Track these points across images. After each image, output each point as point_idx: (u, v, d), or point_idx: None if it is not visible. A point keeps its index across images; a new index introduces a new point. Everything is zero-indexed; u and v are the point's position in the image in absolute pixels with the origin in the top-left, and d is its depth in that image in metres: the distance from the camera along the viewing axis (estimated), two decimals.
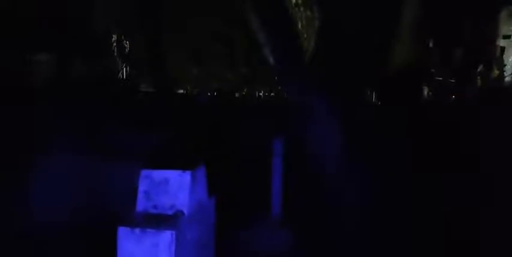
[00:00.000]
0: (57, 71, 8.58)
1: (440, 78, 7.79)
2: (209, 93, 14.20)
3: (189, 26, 12.26)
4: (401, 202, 3.39)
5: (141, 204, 2.06)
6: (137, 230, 1.86)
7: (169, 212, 2.03)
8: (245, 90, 16.37)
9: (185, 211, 2.03)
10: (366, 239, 3.14)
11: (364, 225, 3.19)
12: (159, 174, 2.10)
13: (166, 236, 1.85)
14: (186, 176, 2.08)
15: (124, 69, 12.64)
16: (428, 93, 7.96)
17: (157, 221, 1.96)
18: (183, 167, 2.10)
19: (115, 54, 12.12)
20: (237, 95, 15.04)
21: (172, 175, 2.09)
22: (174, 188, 2.07)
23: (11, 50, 7.70)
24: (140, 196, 2.07)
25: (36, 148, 3.22)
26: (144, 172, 2.10)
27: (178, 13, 11.40)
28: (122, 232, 1.88)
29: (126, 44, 12.21)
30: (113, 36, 11.88)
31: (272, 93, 17.41)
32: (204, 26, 12.66)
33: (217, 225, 2.54)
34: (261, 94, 17.89)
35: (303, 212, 3.79)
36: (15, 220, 2.87)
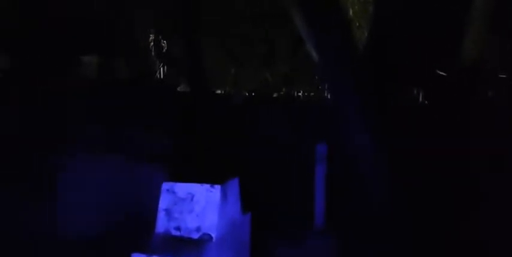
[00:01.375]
0: (99, 71, 8.61)
1: (504, 76, 7.08)
2: (247, 94, 13.97)
3: (228, 26, 12.07)
4: (450, 208, 3.06)
5: (162, 224, 1.70)
6: None
7: (195, 236, 1.67)
8: (283, 90, 16.04)
9: (213, 235, 1.66)
10: (411, 248, 2.73)
11: (411, 233, 2.79)
12: (183, 188, 1.74)
13: None
14: (216, 191, 1.71)
15: (161, 69, 12.67)
16: (489, 91, 7.26)
17: (178, 246, 1.60)
18: (212, 181, 1.74)
19: (153, 54, 12.17)
20: (275, 95, 14.71)
21: (198, 189, 1.73)
22: (201, 206, 1.70)
23: (55, 51, 7.77)
24: (160, 214, 1.72)
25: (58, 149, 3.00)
26: (165, 185, 1.75)
27: (216, 13, 11.22)
28: None
29: (164, 43, 12.20)
30: (151, 36, 11.92)
31: (312, 94, 16.96)
32: (243, 26, 12.44)
33: (255, 238, 2.18)
34: (299, 94, 17.48)
35: (347, 222, 3.41)
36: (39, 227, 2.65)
